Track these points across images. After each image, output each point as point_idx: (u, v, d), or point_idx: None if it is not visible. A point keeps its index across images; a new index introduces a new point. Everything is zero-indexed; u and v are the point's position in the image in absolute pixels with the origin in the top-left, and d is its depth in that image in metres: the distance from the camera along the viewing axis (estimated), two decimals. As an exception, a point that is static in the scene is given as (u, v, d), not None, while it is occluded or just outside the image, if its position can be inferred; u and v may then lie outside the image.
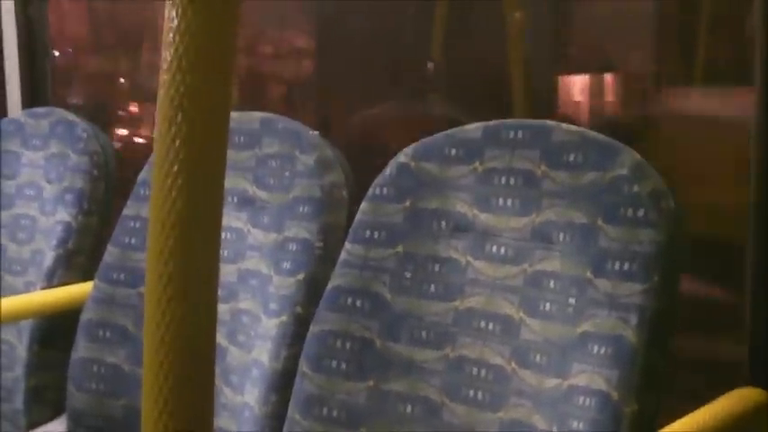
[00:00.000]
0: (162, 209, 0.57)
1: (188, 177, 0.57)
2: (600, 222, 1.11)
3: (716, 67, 1.70)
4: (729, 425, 1.10)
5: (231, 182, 1.47)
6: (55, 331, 1.70)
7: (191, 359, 0.58)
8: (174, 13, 0.57)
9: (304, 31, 2.36)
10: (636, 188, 1.10)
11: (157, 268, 0.57)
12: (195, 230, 0.58)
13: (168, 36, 0.57)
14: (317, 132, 1.46)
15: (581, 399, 1.05)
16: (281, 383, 1.31)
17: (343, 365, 1.27)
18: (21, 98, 2.24)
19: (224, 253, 1.47)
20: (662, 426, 1.06)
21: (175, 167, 0.57)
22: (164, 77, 0.57)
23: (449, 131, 1.29)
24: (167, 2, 0.57)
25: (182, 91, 0.57)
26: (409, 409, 1.23)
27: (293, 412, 1.28)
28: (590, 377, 1.05)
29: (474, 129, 1.27)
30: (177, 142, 0.57)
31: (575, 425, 1.05)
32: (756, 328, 1.28)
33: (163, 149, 0.57)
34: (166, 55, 0.57)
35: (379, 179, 1.32)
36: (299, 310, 1.33)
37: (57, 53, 2.47)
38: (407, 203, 1.29)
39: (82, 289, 1.67)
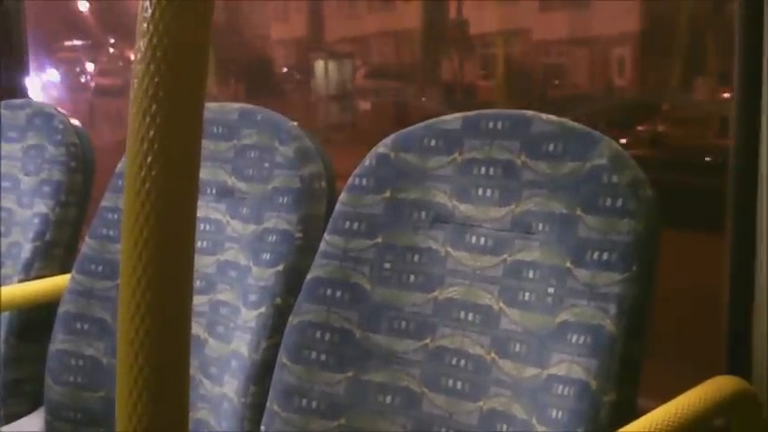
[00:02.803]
0: (136, 200, 0.56)
1: (162, 168, 0.56)
2: (579, 212, 1.12)
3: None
4: (707, 413, 1.11)
5: (210, 173, 1.47)
6: (32, 324, 1.69)
7: (165, 350, 0.57)
8: (147, 3, 0.56)
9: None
10: (615, 178, 1.10)
11: (132, 259, 0.56)
12: (169, 222, 0.57)
13: (142, 25, 0.56)
14: (296, 123, 1.45)
15: (560, 388, 1.06)
16: (261, 374, 1.31)
17: (323, 356, 1.26)
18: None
19: (203, 244, 1.46)
20: (640, 414, 1.06)
21: (149, 158, 0.56)
22: (137, 67, 0.56)
23: (428, 122, 1.29)
24: (140, -10, 0.56)
25: (156, 81, 0.56)
26: (389, 399, 1.23)
27: (272, 403, 1.28)
28: (569, 366, 1.06)
29: (453, 119, 1.27)
30: (151, 133, 0.56)
31: (554, 414, 1.05)
32: (734, 316, 1.29)
33: (137, 140, 0.56)
34: (140, 45, 0.56)
35: (358, 170, 1.32)
36: (278, 301, 1.33)
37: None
38: (387, 194, 1.28)
39: (59, 281, 1.66)
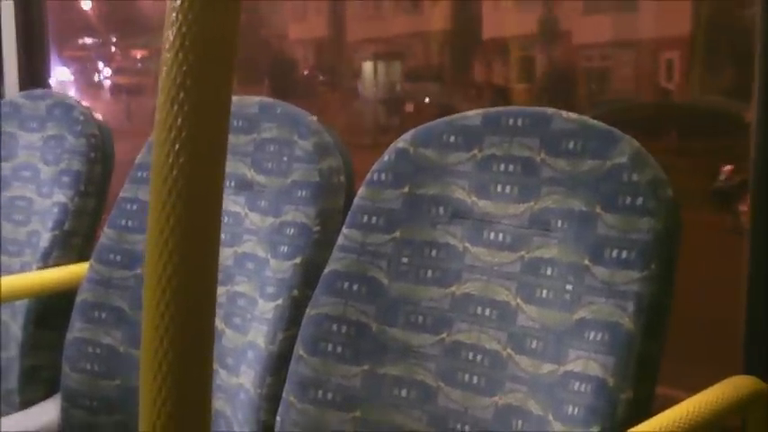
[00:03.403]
0: (163, 187, 0.57)
1: (189, 157, 0.57)
2: (598, 210, 1.12)
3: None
4: (723, 413, 1.11)
5: (229, 166, 1.47)
6: (50, 311, 1.70)
7: (189, 337, 0.58)
8: (177, -8, 0.56)
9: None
10: (635, 176, 1.10)
11: (158, 246, 0.57)
12: (196, 209, 0.57)
13: (171, 15, 0.57)
14: (315, 117, 1.45)
15: (576, 385, 1.06)
16: (277, 366, 1.31)
17: (339, 349, 1.27)
18: (18, 80, 2.24)
19: (221, 236, 1.47)
20: (656, 412, 1.06)
21: (177, 146, 0.57)
22: (166, 56, 0.57)
23: (448, 118, 1.29)
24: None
25: (184, 70, 0.57)
26: (405, 392, 1.23)
27: (288, 394, 1.28)
28: (586, 363, 1.06)
29: (474, 115, 1.27)
30: (179, 121, 0.57)
31: (570, 410, 1.05)
32: (752, 316, 1.29)
33: (164, 128, 0.57)
34: (168, 34, 0.57)
35: (377, 164, 1.32)
36: (295, 293, 1.33)
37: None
38: (406, 189, 1.29)
39: (77, 270, 1.67)
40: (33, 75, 2.24)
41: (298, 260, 1.35)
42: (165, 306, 0.58)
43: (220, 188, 0.60)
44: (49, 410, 1.65)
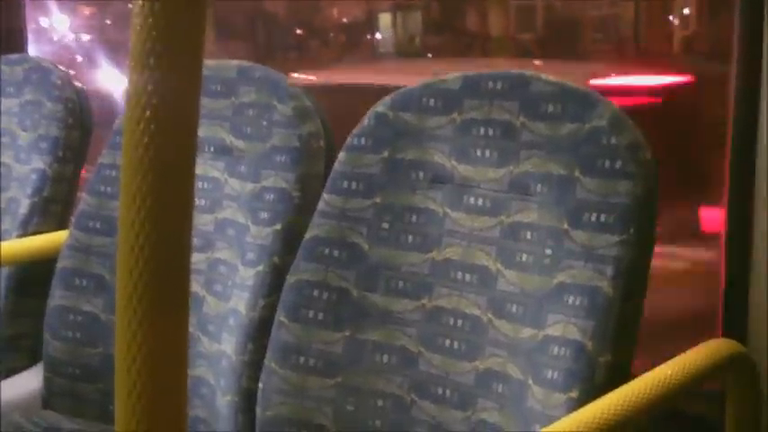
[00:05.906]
0: (134, 155, 0.56)
1: (160, 124, 0.56)
2: (577, 174, 1.11)
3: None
4: (702, 376, 1.11)
5: (208, 131, 1.46)
6: (30, 279, 1.69)
7: (164, 306, 0.58)
8: (145, -47, 0.55)
9: None
10: (614, 140, 1.10)
11: (130, 214, 0.56)
12: (168, 177, 0.57)
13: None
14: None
15: (556, 349, 1.06)
16: (258, 332, 1.31)
17: (320, 315, 1.27)
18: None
19: (201, 202, 1.46)
20: (635, 375, 1.07)
21: (148, 113, 0.56)
22: (135, 21, 0.56)
23: (427, 81, 1.29)
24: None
25: (154, 35, 0.56)
26: (386, 358, 1.23)
27: (270, 361, 1.28)
28: (565, 327, 1.06)
29: (453, 79, 1.26)
30: (149, 87, 0.56)
31: (549, 374, 1.06)
32: (730, 280, 1.29)
33: (135, 94, 0.56)
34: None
35: (357, 129, 1.31)
36: (276, 260, 1.33)
37: None
38: (385, 154, 1.28)
39: (57, 237, 1.66)
40: (9, 39, 2.21)
41: (278, 226, 1.34)
42: (138, 274, 0.57)
43: (193, 155, 0.59)
44: (31, 379, 1.65)
